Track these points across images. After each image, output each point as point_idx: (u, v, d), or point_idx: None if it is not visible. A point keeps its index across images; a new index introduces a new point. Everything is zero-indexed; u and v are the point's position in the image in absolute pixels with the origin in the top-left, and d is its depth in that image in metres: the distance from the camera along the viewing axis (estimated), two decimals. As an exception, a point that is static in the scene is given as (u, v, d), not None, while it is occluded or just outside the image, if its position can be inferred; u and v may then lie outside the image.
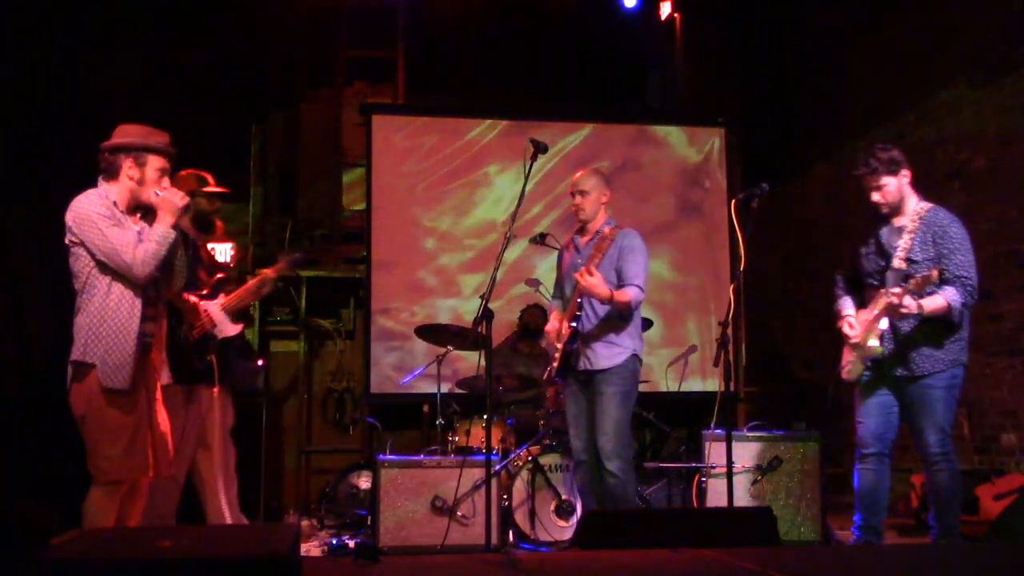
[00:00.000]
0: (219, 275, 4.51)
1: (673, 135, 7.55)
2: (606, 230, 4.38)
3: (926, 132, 6.09)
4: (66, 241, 3.54)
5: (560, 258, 4.84)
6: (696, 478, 5.55)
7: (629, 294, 4.37)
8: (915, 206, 4.04)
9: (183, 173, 4.41)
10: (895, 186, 4.01)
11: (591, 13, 8.13)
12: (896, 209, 4.04)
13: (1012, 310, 5.35)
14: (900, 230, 4.01)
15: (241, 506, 4.59)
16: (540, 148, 4.29)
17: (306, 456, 7.05)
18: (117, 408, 3.49)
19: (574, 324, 4.45)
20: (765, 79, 7.75)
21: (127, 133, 3.65)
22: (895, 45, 6.43)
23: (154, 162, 3.62)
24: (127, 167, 3.59)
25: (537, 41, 8.22)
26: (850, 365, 4.16)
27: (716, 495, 5.04)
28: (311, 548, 5.02)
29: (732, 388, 4.26)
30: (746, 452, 5.04)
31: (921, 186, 6.08)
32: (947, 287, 3.84)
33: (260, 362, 6.41)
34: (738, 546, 3.34)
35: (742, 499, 4.98)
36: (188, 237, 4.38)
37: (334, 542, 5.07)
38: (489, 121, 7.38)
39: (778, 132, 7.75)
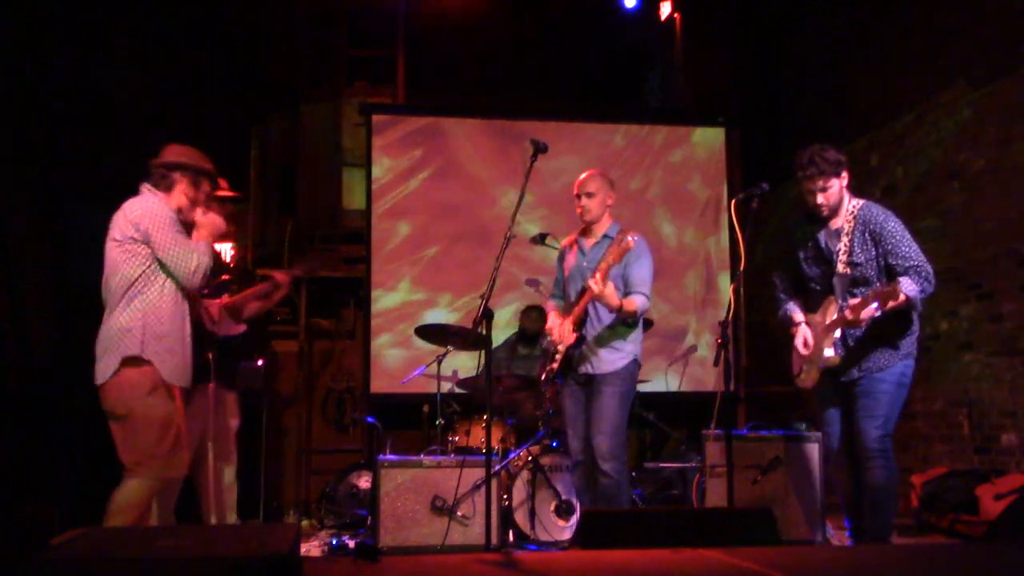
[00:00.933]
0: (224, 276, 4.51)
1: (673, 135, 7.56)
2: (630, 239, 4.29)
3: (926, 132, 6.09)
4: (118, 237, 3.62)
5: (562, 258, 4.83)
6: (696, 478, 5.55)
7: (636, 302, 4.37)
8: (847, 206, 3.98)
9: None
10: (838, 188, 3.95)
11: (591, 13, 8.13)
12: (835, 213, 3.98)
13: (1012, 310, 5.34)
14: (838, 232, 3.95)
15: (241, 506, 4.59)
16: (540, 148, 4.27)
17: (306, 456, 7.05)
18: (166, 406, 3.60)
19: (580, 329, 4.46)
20: (765, 79, 7.76)
21: (182, 154, 3.85)
22: (895, 45, 6.42)
23: (205, 187, 3.89)
24: (184, 185, 3.81)
25: (537, 41, 8.23)
26: (804, 373, 4.11)
27: (716, 495, 5.03)
28: (311, 548, 5.02)
29: (732, 388, 4.25)
30: (746, 452, 5.04)
31: (920, 186, 6.11)
32: (902, 279, 3.75)
33: (260, 362, 6.41)
34: (738, 546, 3.33)
35: (742, 499, 4.98)
36: None
37: (334, 542, 5.07)
38: (489, 121, 7.38)
39: (778, 132, 7.74)
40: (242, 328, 4.48)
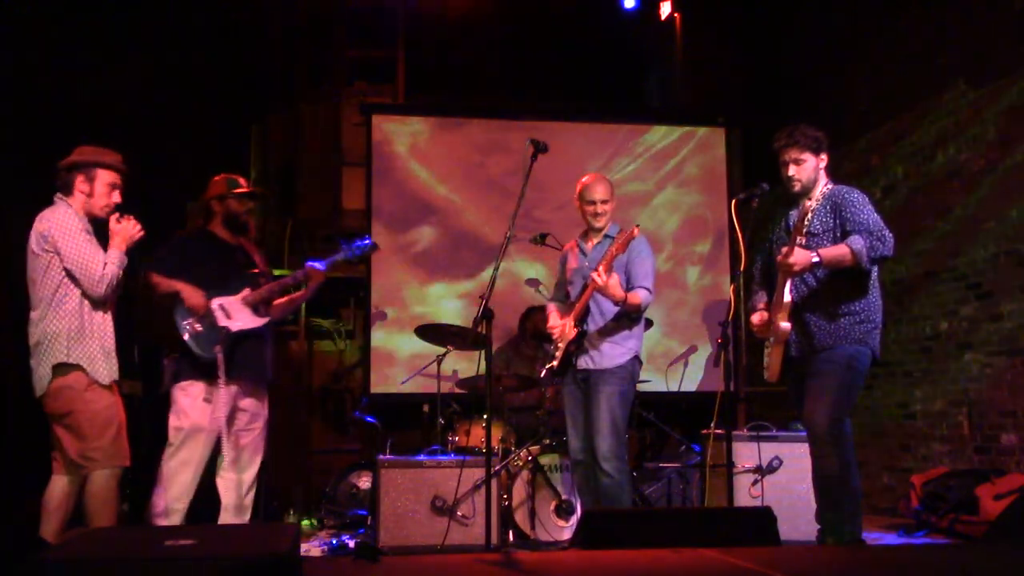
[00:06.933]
0: (251, 270, 4.42)
1: (673, 135, 7.55)
2: (635, 227, 4.31)
3: (926, 132, 6.09)
4: (35, 249, 3.80)
5: (564, 260, 4.85)
6: (696, 478, 5.55)
7: (640, 296, 4.42)
8: (822, 188, 4.01)
9: (216, 178, 4.46)
10: (813, 164, 3.98)
11: (591, 13, 8.13)
12: (807, 191, 4.00)
13: (1012, 310, 5.34)
14: (805, 211, 3.93)
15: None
16: (540, 148, 4.29)
17: (306, 456, 7.05)
18: (104, 401, 3.80)
19: (581, 325, 4.48)
20: (765, 79, 7.76)
21: (81, 153, 3.95)
22: (895, 45, 6.42)
23: (103, 176, 3.92)
24: (79, 182, 3.89)
25: (537, 41, 8.23)
26: (766, 360, 4.06)
27: (716, 495, 5.03)
28: (311, 548, 5.02)
29: (732, 388, 4.25)
30: (746, 452, 5.04)
31: (921, 186, 6.11)
32: (852, 236, 3.78)
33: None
34: (738, 546, 3.33)
35: (742, 499, 4.98)
36: (218, 239, 4.39)
37: (334, 542, 5.07)
38: (489, 121, 7.38)
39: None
40: (261, 321, 4.37)
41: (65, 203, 3.88)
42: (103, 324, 3.86)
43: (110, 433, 3.78)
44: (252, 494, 4.41)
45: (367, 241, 4.50)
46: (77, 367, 3.75)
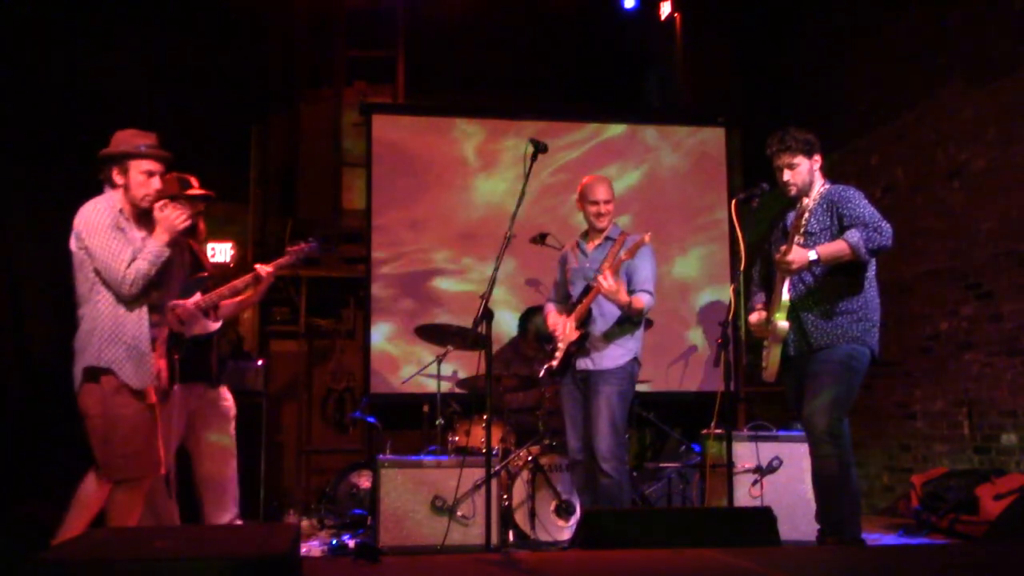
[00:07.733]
0: (199, 274, 4.42)
1: (673, 135, 7.55)
2: (646, 235, 4.32)
3: (926, 132, 6.09)
4: (73, 247, 3.61)
5: (564, 260, 4.85)
6: (696, 478, 5.55)
7: (643, 300, 4.44)
8: (819, 188, 4.03)
9: (167, 176, 4.40)
10: (807, 167, 4.00)
11: (591, 13, 8.13)
12: (804, 193, 4.01)
13: (1012, 310, 5.34)
14: (803, 212, 3.95)
15: (241, 506, 4.57)
16: (540, 148, 4.29)
17: (306, 456, 7.05)
18: (133, 408, 3.60)
19: (583, 327, 4.48)
20: (765, 79, 7.76)
21: (116, 139, 3.76)
22: (895, 45, 6.42)
23: (137, 166, 3.70)
24: (115, 175, 3.71)
25: (537, 41, 8.22)
26: (764, 361, 4.06)
27: (716, 495, 5.03)
28: (311, 548, 5.02)
29: (732, 388, 4.25)
30: (746, 452, 5.04)
31: (921, 186, 6.11)
32: (848, 231, 3.80)
33: (260, 362, 6.40)
34: (738, 546, 3.33)
35: (742, 499, 4.98)
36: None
37: (334, 542, 5.06)
38: (489, 121, 7.38)
39: (778, 132, 7.72)
40: (215, 326, 4.39)
41: (108, 194, 3.70)
42: (137, 325, 3.62)
43: (136, 442, 3.59)
44: (232, 491, 4.42)
45: (310, 244, 4.73)
46: (107, 371, 3.56)
